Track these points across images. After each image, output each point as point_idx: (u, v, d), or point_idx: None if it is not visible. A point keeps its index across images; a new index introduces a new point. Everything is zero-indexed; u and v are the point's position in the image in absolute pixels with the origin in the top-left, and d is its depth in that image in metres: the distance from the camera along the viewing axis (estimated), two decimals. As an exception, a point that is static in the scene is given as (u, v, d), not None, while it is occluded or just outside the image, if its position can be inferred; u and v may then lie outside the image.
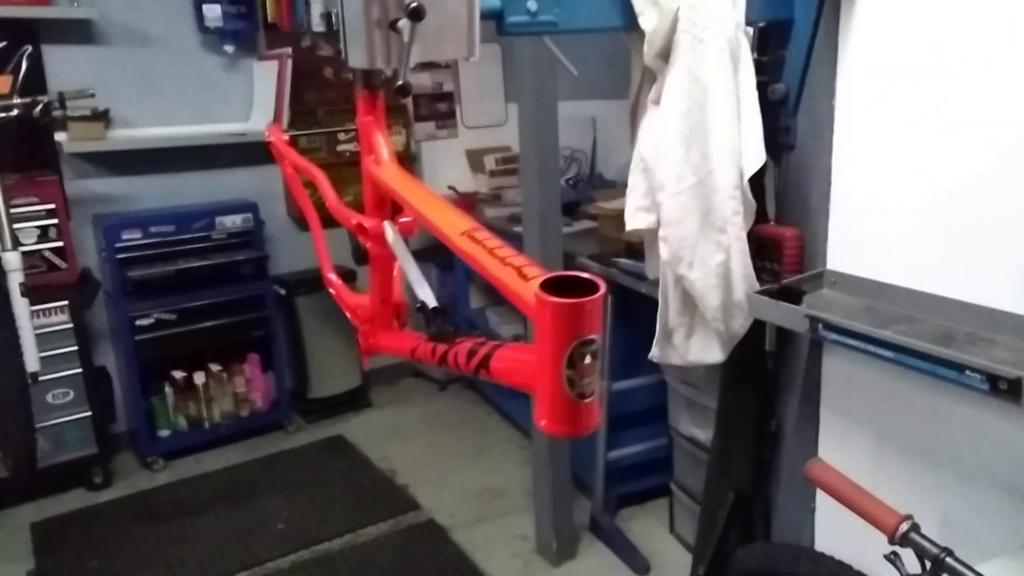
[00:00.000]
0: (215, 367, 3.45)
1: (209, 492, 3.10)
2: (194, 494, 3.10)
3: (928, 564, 0.91)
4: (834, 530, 1.40)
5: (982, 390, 0.92)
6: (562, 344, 0.54)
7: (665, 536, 2.63)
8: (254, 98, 3.53)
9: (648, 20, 1.17)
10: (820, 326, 1.08)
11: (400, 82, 0.99)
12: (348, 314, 1.32)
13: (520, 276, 0.61)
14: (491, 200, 3.78)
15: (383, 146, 1.06)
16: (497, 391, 3.57)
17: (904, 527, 0.94)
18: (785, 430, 1.40)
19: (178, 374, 3.38)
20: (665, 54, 1.18)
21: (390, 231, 1.09)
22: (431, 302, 0.96)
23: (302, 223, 3.73)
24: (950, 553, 0.90)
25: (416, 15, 0.92)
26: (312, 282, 3.61)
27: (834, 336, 1.07)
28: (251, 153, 3.50)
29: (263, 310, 3.47)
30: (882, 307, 1.14)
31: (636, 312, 2.06)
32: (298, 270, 3.67)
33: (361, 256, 1.16)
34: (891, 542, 0.96)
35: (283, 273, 3.62)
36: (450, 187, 3.83)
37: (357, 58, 1.03)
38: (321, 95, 3.65)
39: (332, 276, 1.39)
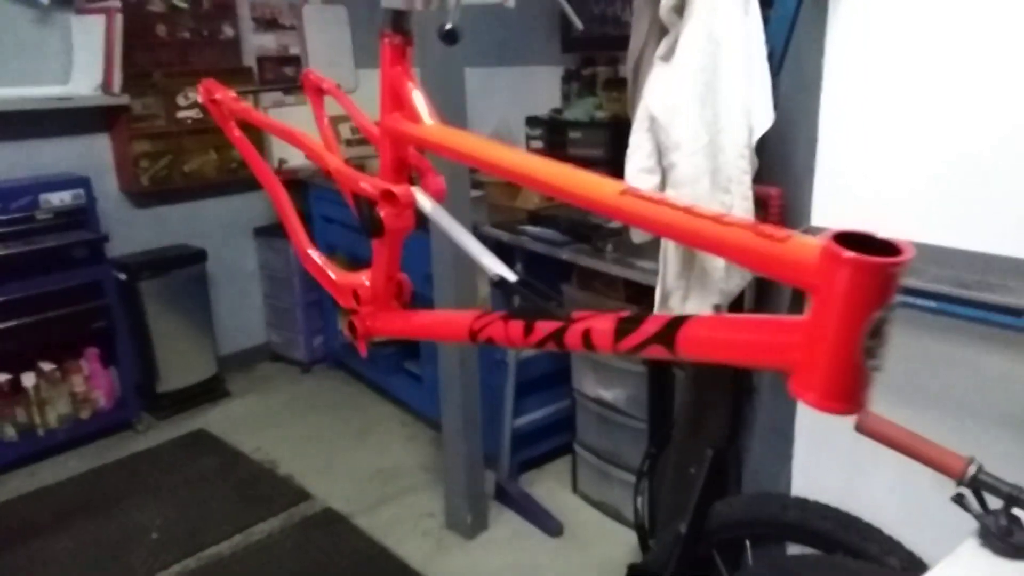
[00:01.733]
0: (47, 366, 3.02)
1: (55, 507, 2.72)
2: (36, 512, 2.70)
3: (1000, 503, 0.97)
4: (812, 477, 1.49)
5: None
6: (866, 309, 0.51)
7: (569, 496, 2.68)
8: (74, 57, 3.08)
9: None
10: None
11: (449, 25, 0.89)
12: (338, 296, 1.18)
13: (763, 237, 0.56)
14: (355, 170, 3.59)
15: (421, 101, 0.96)
16: (372, 369, 3.44)
17: (972, 469, 1.00)
18: (761, 384, 1.47)
19: (1, 377, 2.92)
20: (680, 7, 1.16)
21: (424, 198, 0.99)
22: (510, 275, 0.88)
23: (138, 199, 3.34)
24: (1022, 490, 0.97)
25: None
26: (156, 264, 3.26)
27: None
28: (76, 121, 3.07)
29: (101, 298, 3.08)
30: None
31: (544, 279, 2.05)
32: (139, 251, 3.29)
33: (377, 227, 1.04)
34: (960, 484, 1.02)
35: (122, 256, 3.22)
36: (281, 161, 3.56)
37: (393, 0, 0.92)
38: (154, 55, 3.26)
39: (312, 252, 1.24)
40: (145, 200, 3.36)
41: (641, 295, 2.25)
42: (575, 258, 2.23)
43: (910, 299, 1.08)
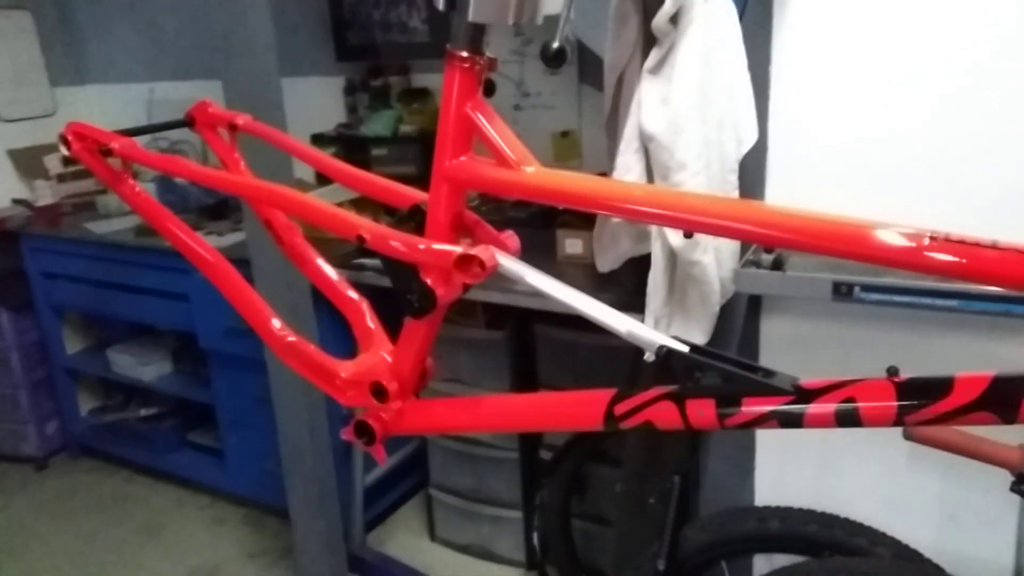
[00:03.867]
0: None
1: None
2: None
3: None
4: (779, 485, 1.48)
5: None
6: None
7: (429, 545, 2.45)
8: None
9: None
10: (857, 289, 1.11)
11: (557, 44, 0.68)
12: (343, 394, 0.87)
13: None
14: (76, 211, 2.93)
15: (510, 142, 0.72)
16: (140, 448, 2.85)
17: None
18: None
19: None
20: (675, 17, 1.04)
21: (510, 261, 0.75)
22: (678, 344, 0.69)
23: None
24: None
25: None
26: None
27: (877, 296, 1.11)
28: None
29: None
30: (845, 261, 1.21)
31: (386, 316, 1.82)
32: None
33: (428, 301, 0.78)
34: (1019, 472, 1.04)
35: None
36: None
37: (488, 9, 0.68)
38: None
39: (293, 338, 0.89)
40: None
41: (500, 319, 2.11)
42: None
43: (925, 300, 1.10)
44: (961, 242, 0.58)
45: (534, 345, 2.12)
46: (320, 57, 2.74)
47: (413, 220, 0.83)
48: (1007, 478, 1.08)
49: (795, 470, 1.47)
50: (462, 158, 0.75)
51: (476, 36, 0.71)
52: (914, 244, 0.58)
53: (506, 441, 2.22)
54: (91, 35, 3.28)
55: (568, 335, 2.02)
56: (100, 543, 2.53)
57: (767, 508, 1.41)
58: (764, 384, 0.66)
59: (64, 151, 1.01)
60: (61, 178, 3.05)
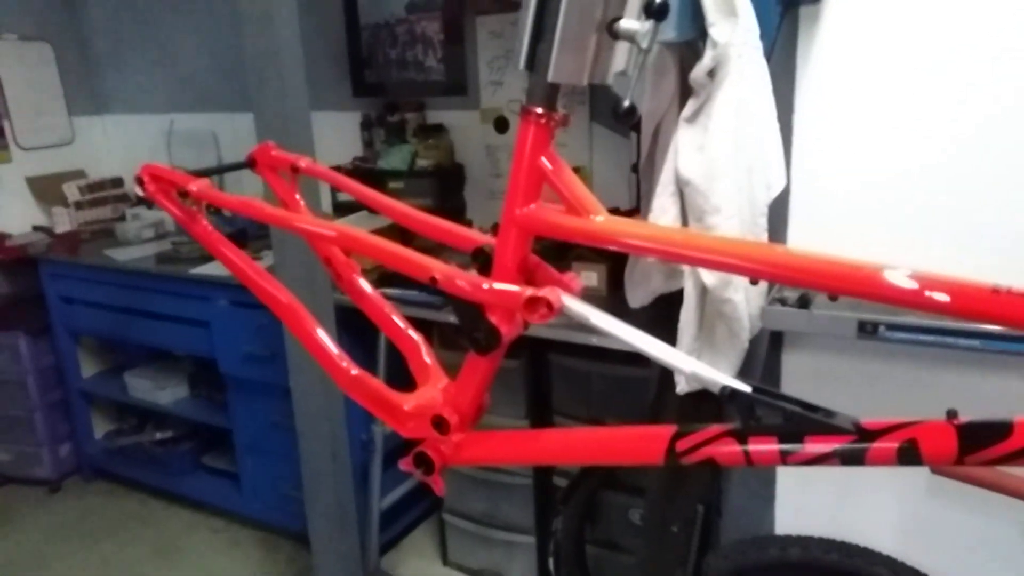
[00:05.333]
0: None
1: None
2: None
3: None
4: (798, 513, 1.53)
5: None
6: None
7: (441, 569, 2.49)
8: None
9: (721, 32, 1.08)
10: (882, 328, 1.18)
11: (627, 103, 0.75)
12: (405, 426, 0.93)
13: None
14: (94, 239, 2.99)
15: (580, 191, 0.79)
16: (155, 471, 2.88)
17: None
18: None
19: None
20: (712, 71, 1.12)
21: (575, 302, 0.82)
22: (741, 384, 0.75)
23: None
24: None
25: (661, 13, 0.71)
26: None
27: (902, 335, 1.17)
28: None
29: None
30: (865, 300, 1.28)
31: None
32: None
33: (494, 339, 0.84)
34: None
35: None
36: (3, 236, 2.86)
37: (566, 70, 0.75)
38: None
39: (358, 372, 0.94)
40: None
41: (516, 348, 2.17)
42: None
43: (950, 340, 1.17)
44: (960, 285, 0.63)
45: (549, 374, 2.18)
46: (338, 92, 2.82)
47: (479, 262, 0.89)
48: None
49: (816, 499, 1.53)
50: (532, 206, 0.82)
51: (552, 94, 0.78)
52: (918, 285, 0.63)
53: (520, 467, 2.26)
54: (110, 66, 3.36)
55: (583, 365, 2.08)
56: (113, 566, 2.56)
57: (788, 537, 1.46)
58: (827, 424, 0.71)
59: (139, 191, 1.07)
60: (79, 205, 3.11)
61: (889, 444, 0.68)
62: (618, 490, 2.07)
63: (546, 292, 0.81)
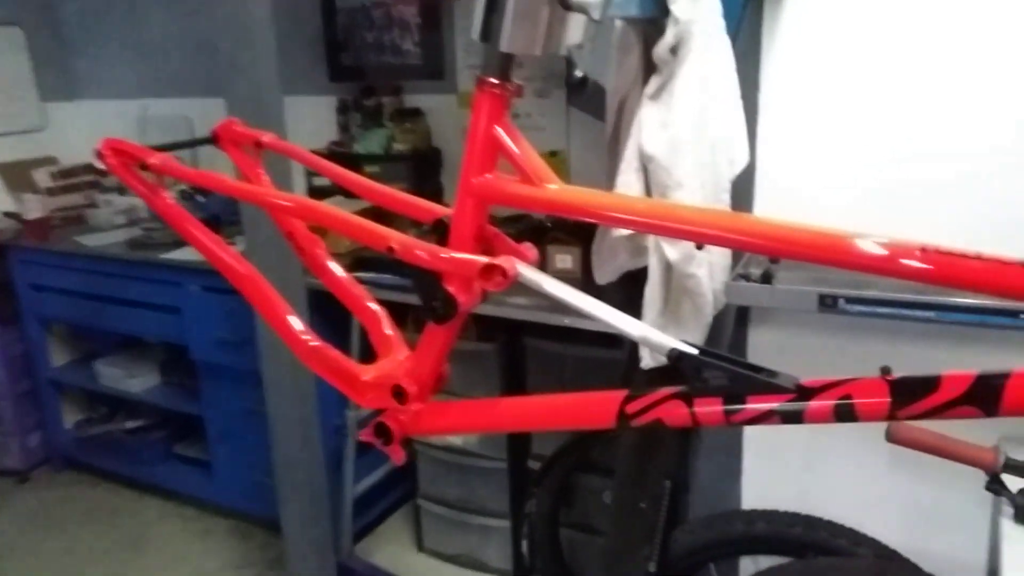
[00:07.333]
0: None
1: None
2: None
3: None
4: (764, 488, 1.55)
5: (1035, 329, 1.15)
6: None
7: (417, 556, 2.48)
8: None
9: (682, 9, 1.08)
10: (841, 301, 1.19)
11: (580, 73, 0.75)
12: (364, 396, 0.92)
13: None
14: (65, 225, 2.95)
15: (534, 161, 0.78)
16: (126, 461, 2.85)
17: (1003, 457, 1.11)
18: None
19: None
20: (675, 48, 1.12)
21: (530, 270, 0.81)
22: (687, 347, 0.76)
23: None
24: None
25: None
26: None
27: (861, 308, 1.19)
28: None
29: None
30: (829, 275, 1.30)
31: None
32: None
33: (451, 308, 0.84)
34: (993, 472, 1.12)
35: None
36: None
37: (519, 40, 0.75)
38: None
39: (316, 343, 0.94)
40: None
41: (491, 331, 2.17)
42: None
43: (907, 312, 1.18)
44: (937, 252, 0.64)
45: (524, 357, 2.18)
46: (313, 77, 2.79)
47: (437, 233, 0.88)
48: (982, 478, 1.16)
49: (780, 474, 1.54)
50: (487, 176, 0.81)
51: (506, 65, 0.78)
52: (888, 252, 0.64)
53: (495, 451, 2.26)
54: (82, 51, 3.31)
55: (557, 347, 2.08)
56: (83, 556, 2.53)
57: (754, 511, 1.47)
58: (768, 383, 0.72)
59: (100, 165, 1.06)
60: (51, 192, 3.06)
61: (826, 401, 0.69)
62: (592, 472, 2.08)
63: (501, 260, 0.80)
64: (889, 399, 0.68)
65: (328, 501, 2.19)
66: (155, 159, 1.01)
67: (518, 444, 2.25)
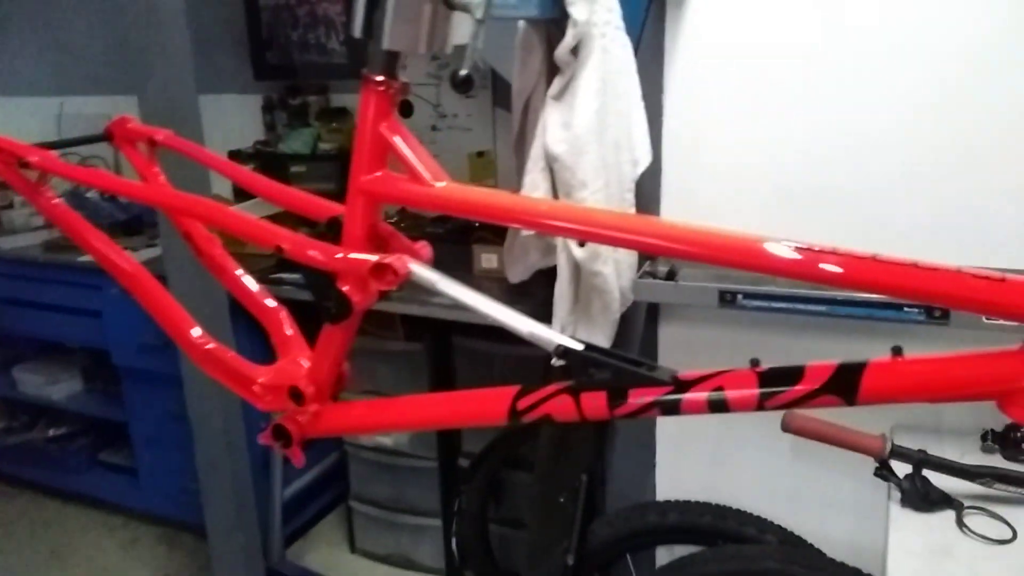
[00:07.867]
0: None
1: None
2: None
3: (909, 468, 1.14)
4: (676, 480, 1.59)
5: (919, 321, 1.19)
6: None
7: (349, 557, 2.47)
8: None
9: (580, 10, 1.10)
10: (740, 297, 1.22)
11: (465, 71, 0.76)
12: (262, 399, 0.92)
13: (994, 282, 0.58)
14: (-21, 227, 2.84)
15: (423, 159, 0.79)
16: (46, 469, 2.76)
17: (889, 444, 1.16)
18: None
19: None
20: (575, 49, 1.13)
21: (423, 269, 0.82)
22: (573, 343, 0.77)
23: None
24: (925, 453, 1.15)
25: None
26: None
27: (758, 303, 1.22)
28: None
29: None
30: (731, 273, 1.34)
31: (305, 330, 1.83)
32: None
33: (345, 308, 0.83)
34: (881, 459, 1.16)
35: None
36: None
37: (402, 38, 0.75)
38: None
39: (211, 345, 0.92)
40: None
41: (419, 331, 2.17)
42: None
43: (800, 306, 1.23)
44: (848, 256, 0.66)
45: (452, 356, 2.18)
46: (238, 75, 2.75)
47: (331, 232, 0.89)
48: (873, 465, 1.21)
49: (692, 466, 1.59)
50: (377, 173, 0.82)
51: (390, 62, 0.78)
52: (801, 256, 0.66)
53: (425, 450, 2.27)
54: (-6, 45, 3.19)
55: (485, 346, 2.10)
56: (5, 570, 2.45)
57: (667, 502, 1.51)
58: (647, 376, 0.74)
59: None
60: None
61: (700, 393, 0.71)
62: (520, 469, 2.10)
63: (392, 259, 0.81)
64: (758, 390, 0.70)
65: (256, 506, 2.16)
66: (35, 156, 0.99)
67: (448, 443, 2.26)
